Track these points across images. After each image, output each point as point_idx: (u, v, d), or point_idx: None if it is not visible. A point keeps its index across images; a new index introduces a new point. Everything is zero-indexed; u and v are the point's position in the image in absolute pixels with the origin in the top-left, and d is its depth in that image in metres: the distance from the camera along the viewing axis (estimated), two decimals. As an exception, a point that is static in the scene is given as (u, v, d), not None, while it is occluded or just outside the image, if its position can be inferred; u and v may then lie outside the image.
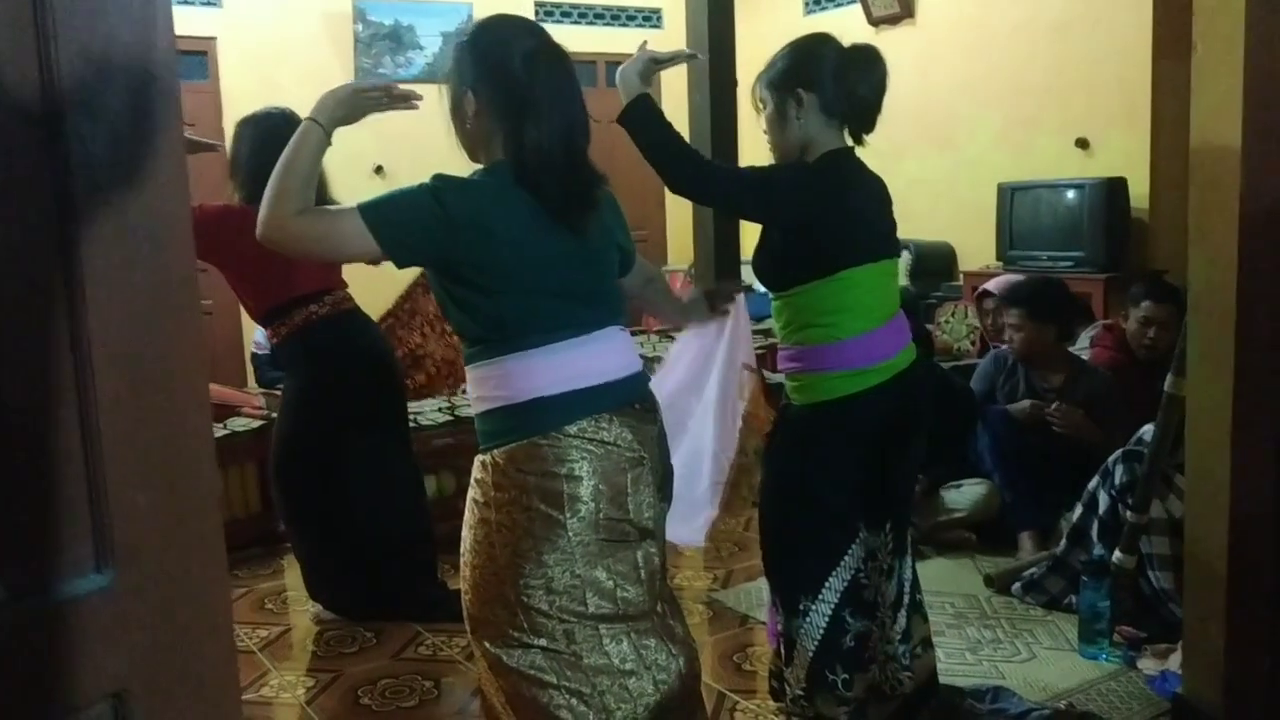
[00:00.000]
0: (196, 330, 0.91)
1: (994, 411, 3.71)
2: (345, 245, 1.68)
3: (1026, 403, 3.65)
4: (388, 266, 1.78)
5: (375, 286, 3.53)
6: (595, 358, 1.76)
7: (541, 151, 1.70)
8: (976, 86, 6.10)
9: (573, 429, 1.70)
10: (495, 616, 1.74)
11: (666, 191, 2.23)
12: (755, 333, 4.54)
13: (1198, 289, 2.26)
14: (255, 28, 6.29)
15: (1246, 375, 2.18)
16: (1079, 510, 3.08)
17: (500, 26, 1.79)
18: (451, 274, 1.72)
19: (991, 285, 4.39)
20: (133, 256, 0.85)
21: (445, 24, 6.56)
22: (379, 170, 6.43)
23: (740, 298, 2.33)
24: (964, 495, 3.69)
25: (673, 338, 2.80)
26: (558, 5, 7.33)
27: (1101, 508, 2.98)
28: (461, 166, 1.78)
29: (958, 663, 2.80)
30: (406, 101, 1.82)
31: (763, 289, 2.36)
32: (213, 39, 6.21)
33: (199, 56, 6.19)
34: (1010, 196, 5.54)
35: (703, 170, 2.16)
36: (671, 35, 6.90)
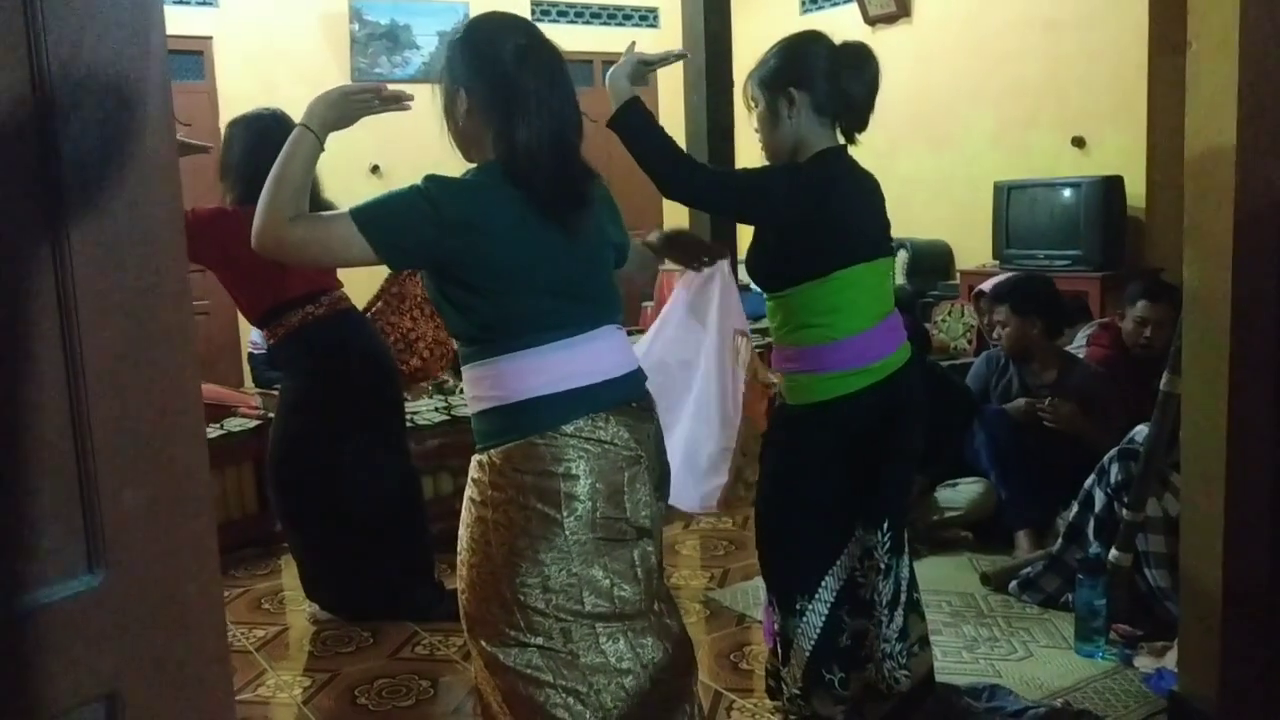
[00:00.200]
0: (188, 331, 0.91)
1: (990, 410, 3.72)
2: (339, 250, 1.68)
3: (1021, 401, 3.66)
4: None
5: (362, 272, 3.51)
6: (591, 357, 1.76)
7: (532, 149, 1.69)
8: (973, 85, 6.11)
9: (569, 428, 1.70)
10: (492, 615, 1.74)
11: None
12: (752, 332, 4.56)
13: (1193, 287, 2.26)
14: (251, 27, 6.28)
15: (1242, 373, 2.18)
16: (1075, 508, 3.08)
17: (492, 24, 1.79)
18: (445, 275, 1.72)
19: (985, 286, 4.40)
20: (123, 257, 0.85)
21: (441, 24, 6.55)
22: (375, 170, 6.42)
23: (725, 264, 2.35)
24: (960, 494, 3.69)
25: None
26: (554, 4, 7.33)
27: (1098, 506, 2.98)
28: (457, 166, 1.78)
29: (954, 661, 2.80)
30: (397, 102, 1.82)
31: (758, 289, 2.36)
32: (209, 39, 6.21)
33: (195, 56, 6.18)
34: (1007, 195, 5.55)
35: (695, 174, 2.15)
36: (668, 34, 6.90)
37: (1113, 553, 2.86)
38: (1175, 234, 2.47)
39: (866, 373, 2.17)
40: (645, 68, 2.12)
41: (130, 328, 0.86)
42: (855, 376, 2.17)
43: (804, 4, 7.22)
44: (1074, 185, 5.29)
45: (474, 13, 1.82)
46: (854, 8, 6.68)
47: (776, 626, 2.34)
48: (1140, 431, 2.89)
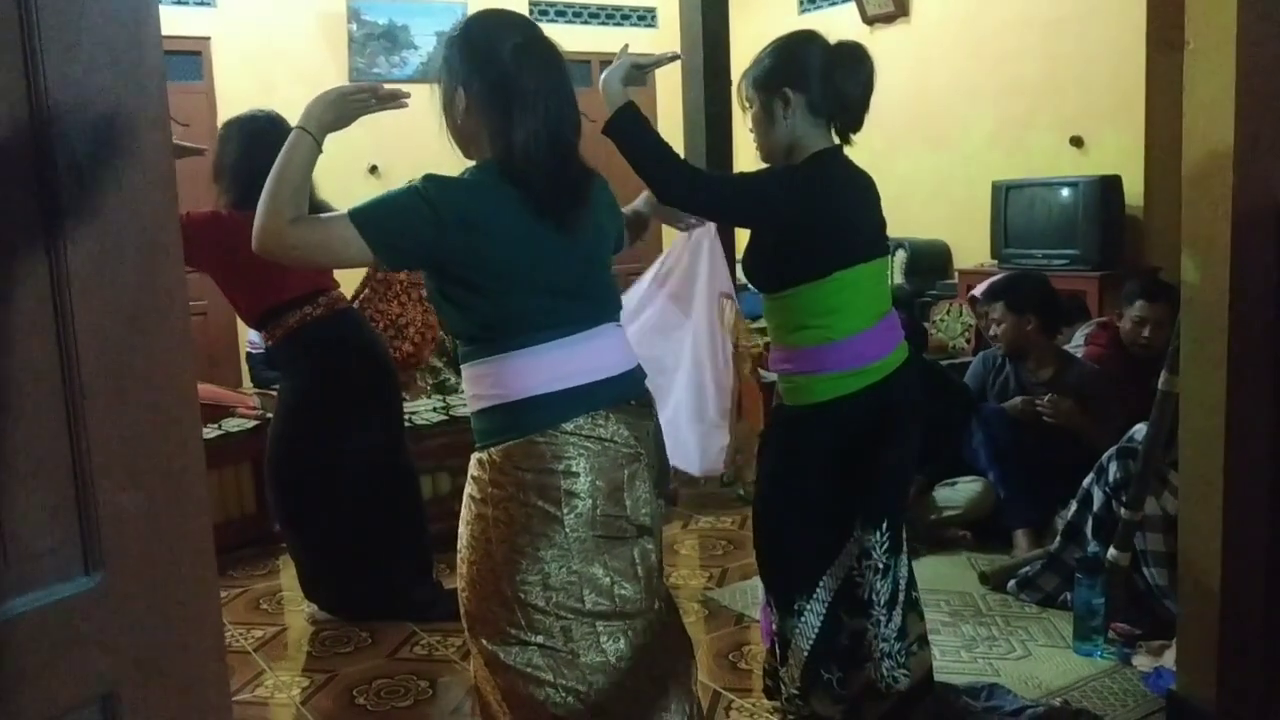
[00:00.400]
0: (184, 332, 0.91)
1: (988, 409, 3.72)
2: (339, 251, 1.68)
3: (1018, 400, 3.66)
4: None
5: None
6: (591, 355, 1.76)
7: (530, 148, 1.69)
8: (971, 85, 6.11)
9: (569, 426, 1.71)
10: (492, 614, 1.74)
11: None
12: (751, 331, 4.56)
13: (1191, 286, 2.26)
14: (250, 28, 6.28)
15: (1240, 372, 2.18)
16: (1074, 507, 3.09)
17: (491, 21, 1.79)
18: (444, 274, 1.72)
19: (979, 287, 4.41)
20: (120, 260, 0.85)
21: (439, 24, 6.54)
22: (374, 170, 6.42)
23: (713, 227, 2.37)
24: (959, 493, 3.69)
25: None
26: (552, 4, 7.32)
27: (1096, 505, 2.98)
28: (454, 166, 1.78)
29: (953, 660, 2.80)
30: (395, 101, 1.82)
31: (756, 290, 2.36)
32: (207, 39, 6.20)
33: (193, 57, 6.17)
34: (1005, 194, 5.54)
35: (692, 179, 2.13)
36: (666, 34, 6.90)
37: (1111, 551, 2.86)
38: (1173, 233, 2.47)
39: (865, 373, 2.17)
40: (639, 70, 2.10)
41: (127, 330, 0.86)
42: (854, 377, 2.16)
43: (802, 3, 7.21)
44: (1072, 185, 5.29)
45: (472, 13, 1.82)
46: (852, 7, 6.67)
47: (775, 626, 2.34)
48: (1139, 430, 2.90)
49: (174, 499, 0.89)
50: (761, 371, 3.57)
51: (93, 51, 0.83)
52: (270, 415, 3.41)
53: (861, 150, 2.24)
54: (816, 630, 2.24)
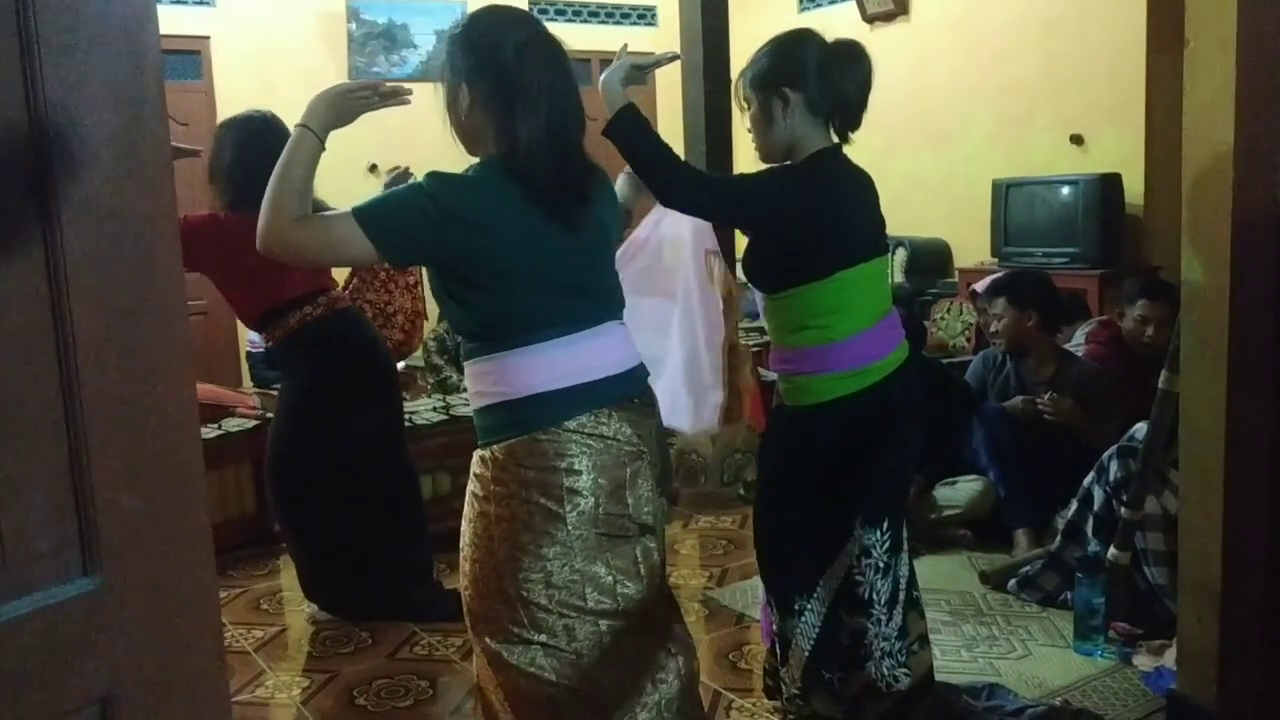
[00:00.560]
0: (183, 332, 0.91)
1: (989, 408, 3.72)
2: (343, 250, 1.68)
3: (1019, 398, 3.66)
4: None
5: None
6: (594, 353, 1.76)
7: (533, 145, 1.69)
8: (971, 83, 6.11)
9: (572, 424, 1.71)
10: (495, 612, 1.74)
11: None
12: (751, 330, 4.56)
13: (1191, 285, 2.26)
14: (249, 27, 6.28)
15: (1240, 370, 2.18)
16: (1074, 507, 3.08)
17: (494, 18, 1.78)
18: (448, 271, 1.72)
19: (979, 285, 4.41)
20: (118, 259, 0.85)
21: (439, 22, 6.54)
22: (373, 169, 6.41)
23: None
24: (959, 492, 3.69)
25: None
26: (551, 3, 7.32)
27: (1096, 504, 2.98)
28: (456, 163, 1.78)
29: (953, 660, 2.80)
30: (396, 97, 1.82)
31: (756, 290, 2.35)
32: (206, 38, 6.20)
33: (192, 56, 6.17)
34: (1005, 193, 5.55)
35: (692, 181, 2.13)
36: (666, 33, 6.89)
37: (1111, 551, 2.86)
38: (1173, 232, 2.47)
39: (866, 373, 2.17)
40: (639, 70, 2.10)
41: (125, 332, 0.86)
42: (855, 377, 2.16)
43: (801, 2, 7.21)
44: (1072, 183, 5.29)
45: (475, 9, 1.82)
46: (851, 6, 6.67)
47: (775, 626, 2.34)
48: (1139, 429, 2.89)
49: (173, 499, 0.89)
50: (761, 371, 3.56)
51: (90, 50, 0.83)
52: (270, 415, 3.40)
53: (861, 149, 2.24)
54: (817, 630, 2.24)
